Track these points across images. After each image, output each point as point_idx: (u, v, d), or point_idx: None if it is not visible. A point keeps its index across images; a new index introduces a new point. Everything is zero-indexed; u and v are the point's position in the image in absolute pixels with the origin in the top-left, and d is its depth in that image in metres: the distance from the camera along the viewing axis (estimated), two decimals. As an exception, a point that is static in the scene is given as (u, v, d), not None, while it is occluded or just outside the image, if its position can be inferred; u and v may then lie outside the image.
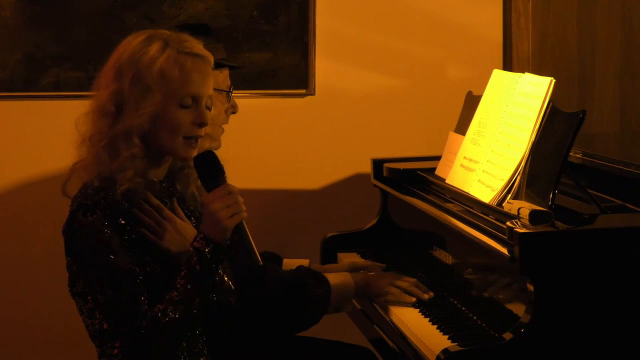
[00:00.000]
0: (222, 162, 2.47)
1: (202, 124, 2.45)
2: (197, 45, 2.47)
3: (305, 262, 3.11)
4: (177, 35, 2.48)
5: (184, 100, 2.43)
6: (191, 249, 2.37)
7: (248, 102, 3.83)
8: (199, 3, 3.82)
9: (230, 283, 2.54)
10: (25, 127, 3.78)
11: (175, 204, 2.52)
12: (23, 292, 3.82)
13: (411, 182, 3.25)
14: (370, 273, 3.05)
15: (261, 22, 3.87)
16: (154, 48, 2.42)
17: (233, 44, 3.80)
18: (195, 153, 2.47)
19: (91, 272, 2.36)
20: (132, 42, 2.45)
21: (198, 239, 2.37)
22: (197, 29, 2.89)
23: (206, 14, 3.82)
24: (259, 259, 2.43)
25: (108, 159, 2.39)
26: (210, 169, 2.46)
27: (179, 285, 2.35)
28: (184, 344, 2.46)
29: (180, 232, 2.47)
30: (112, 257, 2.33)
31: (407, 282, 2.89)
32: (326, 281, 2.84)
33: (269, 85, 3.90)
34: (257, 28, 3.87)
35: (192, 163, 2.49)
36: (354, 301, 2.97)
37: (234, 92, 3.04)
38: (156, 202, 2.46)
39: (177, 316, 2.33)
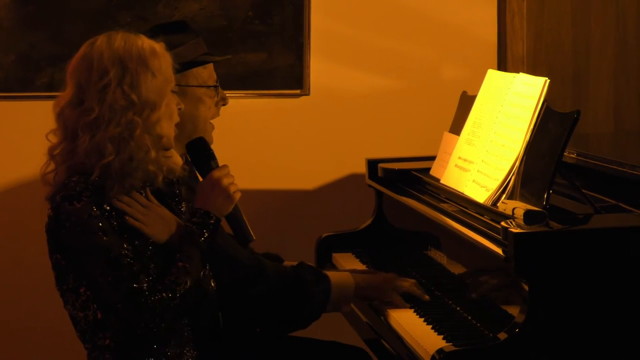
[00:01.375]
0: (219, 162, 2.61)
1: (181, 108, 2.55)
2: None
3: None
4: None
5: (174, 87, 2.52)
6: (190, 225, 2.46)
7: (243, 103, 3.83)
8: (193, 3, 3.81)
9: (208, 269, 2.57)
10: (20, 128, 3.77)
11: (149, 193, 2.54)
12: (21, 292, 3.82)
13: (406, 182, 3.25)
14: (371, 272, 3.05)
15: (256, 23, 3.87)
16: (144, 41, 2.47)
17: (228, 45, 3.80)
18: None
19: (86, 259, 2.37)
20: (116, 42, 2.46)
21: (198, 215, 2.48)
22: (174, 27, 2.89)
23: (201, 14, 3.82)
24: (252, 233, 2.64)
25: (142, 151, 2.42)
26: (204, 153, 2.67)
27: (184, 257, 2.41)
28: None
29: (162, 217, 2.49)
30: (106, 238, 2.36)
31: (408, 282, 2.89)
32: (327, 278, 2.84)
33: (264, 85, 3.90)
34: (252, 28, 3.87)
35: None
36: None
37: (227, 92, 3.02)
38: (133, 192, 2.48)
39: (188, 286, 2.38)
